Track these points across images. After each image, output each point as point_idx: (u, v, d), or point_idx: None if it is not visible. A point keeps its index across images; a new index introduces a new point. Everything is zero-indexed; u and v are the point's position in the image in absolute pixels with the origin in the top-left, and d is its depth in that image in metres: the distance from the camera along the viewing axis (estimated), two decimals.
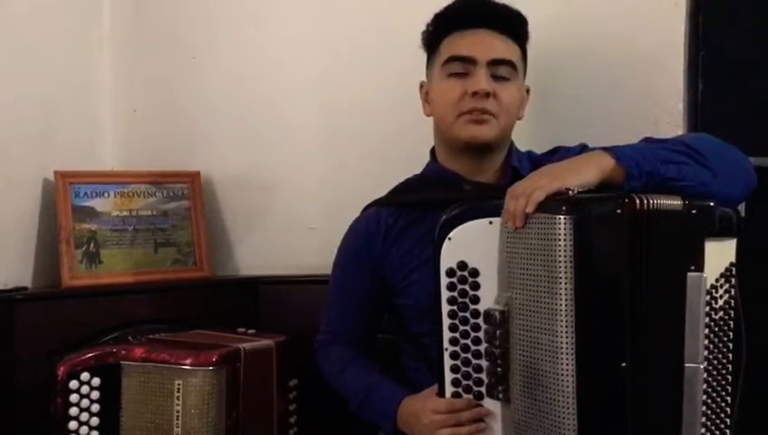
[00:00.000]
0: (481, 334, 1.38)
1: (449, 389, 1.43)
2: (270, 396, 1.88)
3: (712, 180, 1.39)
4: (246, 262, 2.30)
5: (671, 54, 1.85)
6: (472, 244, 1.37)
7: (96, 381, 1.72)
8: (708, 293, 1.32)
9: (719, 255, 1.35)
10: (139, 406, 1.73)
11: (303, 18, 2.23)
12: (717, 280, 1.34)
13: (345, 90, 2.18)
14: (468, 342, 1.39)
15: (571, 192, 1.30)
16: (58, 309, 1.92)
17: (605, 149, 1.40)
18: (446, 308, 1.41)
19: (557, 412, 1.25)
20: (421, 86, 1.70)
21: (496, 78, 1.58)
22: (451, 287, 1.40)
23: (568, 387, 1.24)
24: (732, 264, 1.36)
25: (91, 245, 2.10)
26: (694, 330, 1.30)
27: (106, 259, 2.11)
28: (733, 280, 1.36)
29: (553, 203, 1.27)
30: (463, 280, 1.39)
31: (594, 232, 1.25)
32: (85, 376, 1.71)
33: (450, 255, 1.39)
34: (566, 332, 1.24)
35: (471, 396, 1.41)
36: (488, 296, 1.36)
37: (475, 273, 1.38)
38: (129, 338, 1.88)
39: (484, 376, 1.38)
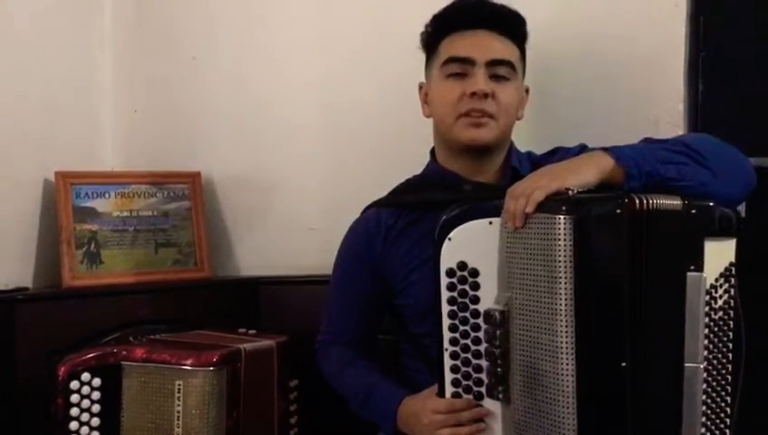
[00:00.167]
0: (481, 334, 1.38)
1: (449, 389, 1.43)
2: (270, 396, 1.88)
3: (712, 180, 1.39)
4: (247, 262, 2.30)
5: (671, 55, 1.85)
6: (472, 244, 1.38)
7: (97, 382, 1.72)
8: (708, 293, 1.32)
9: (719, 255, 1.34)
10: (139, 406, 1.73)
11: (304, 19, 2.23)
12: (717, 280, 1.34)
13: (345, 90, 2.18)
14: (468, 342, 1.40)
15: (570, 192, 1.30)
16: (59, 309, 1.92)
17: (605, 149, 1.40)
18: (446, 308, 1.41)
19: (557, 412, 1.25)
20: (420, 87, 1.70)
21: (495, 78, 1.58)
22: (451, 287, 1.40)
23: (568, 387, 1.24)
24: (731, 264, 1.36)
25: (92, 245, 2.10)
26: (693, 330, 1.30)
27: (107, 260, 2.12)
28: (732, 280, 1.36)
29: (553, 203, 1.27)
30: (463, 280, 1.39)
31: (594, 232, 1.25)
32: (86, 376, 1.71)
33: (450, 255, 1.39)
34: (566, 332, 1.24)
35: (471, 396, 1.41)
36: (488, 296, 1.36)
37: (474, 273, 1.38)
38: (130, 338, 1.88)
39: (484, 376, 1.39)
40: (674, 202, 1.31)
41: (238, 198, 2.31)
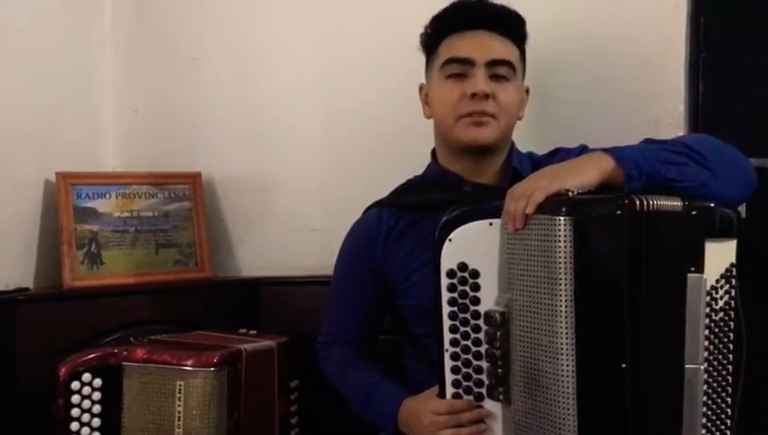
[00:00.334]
0: (481, 335, 1.38)
1: (450, 390, 1.43)
2: (271, 397, 1.88)
3: (712, 181, 1.39)
4: (247, 263, 2.30)
5: (672, 55, 1.85)
6: (472, 245, 1.38)
7: (98, 382, 1.73)
8: (708, 294, 1.32)
9: (719, 256, 1.34)
10: (140, 407, 1.73)
11: (304, 20, 2.23)
12: (718, 281, 1.34)
13: (345, 91, 2.19)
14: (469, 343, 1.40)
15: (570, 193, 1.30)
16: (60, 310, 1.92)
17: (605, 150, 1.40)
18: (446, 309, 1.41)
19: (557, 413, 1.26)
20: (420, 88, 1.70)
21: (495, 78, 1.58)
22: (451, 288, 1.40)
23: (568, 388, 1.24)
24: (732, 265, 1.35)
25: (93, 246, 2.10)
26: (694, 331, 1.30)
27: (107, 260, 2.12)
28: (733, 281, 1.35)
29: (553, 204, 1.27)
30: (463, 281, 1.39)
31: (594, 233, 1.25)
32: (87, 377, 1.72)
33: (450, 256, 1.39)
34: (566, 333, 1.24)
35: (471, 397, 1.41)
36: (488, 298, 1.37)
37: (475, 274, 1.38)
38: (131, 339, 1.89)
39: (484, 377, 1.39)
40: (674, 203, 1.31)
41: (239, 198, 2.31)
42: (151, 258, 2.18)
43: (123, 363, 1.74)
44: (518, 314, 1.31)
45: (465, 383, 1.41)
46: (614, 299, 1.26)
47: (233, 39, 2.31)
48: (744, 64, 1.84)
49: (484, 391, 1.39)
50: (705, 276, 1.30)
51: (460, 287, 1.39)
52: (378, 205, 1.72)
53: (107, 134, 2.39)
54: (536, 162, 1.65)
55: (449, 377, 1.42)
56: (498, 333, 1.33)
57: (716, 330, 1.34)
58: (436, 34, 1.64)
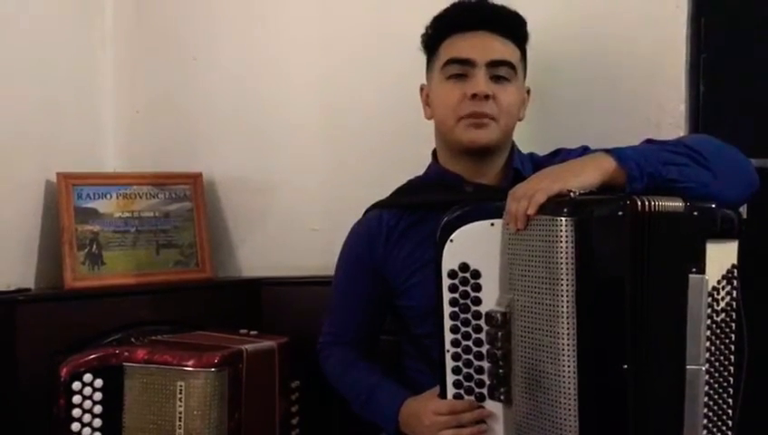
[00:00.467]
0: (483, 336, 1.38)
1: (451, 390, 1.43)
2: (272, 397, 1.88)
3: (713, 182, 1.39)
4: (248, 263, 2.30)
5: (672, 56, 1.85)
6: (473, 246, 1.38)
7: (99, 383, 1.72)
8: (710, 295, 1.32)
9: (721, 256, 1.34)
10: (141, 407, 1.73)
11: (304, 19, 2.23)
12: (719, 282, 1.34)
13: (346, 91, 2.19)
14: (470, 343, 1.40)
15: (572, 194, 1.30)
16: (60, 310, 1.92)
17: (606, 150, 1.39)
18: (447, 310, 1.41)
19: (558, 414, 1.26)
20: (421, 89, 1.70)
21: (496, 79, 1.58)
22: (453, 289, 1.40)
23: (569, 388, 1.24)
24: (733, 265, 1.36)
25: (94, 246, 2.10)
26: (695, 332, 1.30)
27: (108, 261, 2.12)
28: (734, 282, 1.36)
29: (555, 205, 1.27)
30: (464, 282, 1.39)
31: (596, 234, 1.25)
32: (88, 377, 1.72)
33: (452, 256, 1.39)
34: (568, 333, 1.24)
35: (473, 397, 1.41)
36: (490, 298, 1.37)
37: (476, 274, 1.38)
38: (132, 339, 1.88)
39: (485, 377, 1.39)
40: (676, 204, 1.31)
41: (240, 198, 2.31)
42: (152, 259, 2.18)
43: (124, 364, 1.74)
44: (519, 315, 1.31)
45: (466, 384, 1.41)
46: (615, 300, 1.26)
47: (234, 39, 2.31)
48: (745, 65, 1.84)
49: (485, 391, 1.39)
50: (706, 277, 1.31)
51: (461, 288, 1.39)
52: (378, 205, 1.72)
53: (108, 134, 2.39)
54: (537, 163, 1.65)
55: (450, 377, 1.42)
56: (499, 334, 1.33)
57: (718, 331, 1.35)
58: (436, 35, 1.64)
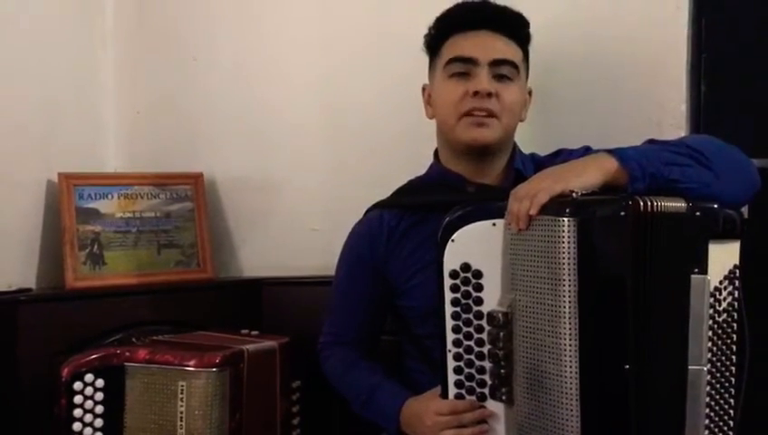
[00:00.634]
0: (484, 336, 1.38)
1: (452, 390, 1.43)
2: (273, 397, 1.88)
3: (715, 182, 1.39)
4: (249, 263, 2.30)
5: (673, 56, 1.85)
6: (475, 246, 1.38)
7: (100, 383, 1.72)
8: (712, 295, 1.32)
9: (723, 257, 1.34)
10: (142, 407, 1.73)
11: (305, 20, 2.23)
12: (721, 282, 1.34)
13: (346, 91, 2.19)
14: (471, 343, 1.40)
15: (574, 194, 1.30)
16: (62, 310, 1.91)
17: (608, 151, 1.39)
18: (449, 310, 1.41)
19: (560, 414, 1.26)
20: (423, 89, 1.70)
21: (498, 78, 1.58)
22: (454, 289, 1.40)
23: (571, 388, 1.24)
24: (735, 266, 1.35)
25: (95, 246, 2.10)
26: (697, 332, 1.30)
27: (110, 261, 2.12)
28: (736, 282, 1.35)
29: (557, 205, 1.27)
30: (466, 282, 1.39)
31: (598, 234, 1.25)
32: (89, 377, 1.71)
33: (453, 256, 1.39)
34: (569, 333, 1.24)
35: (474, 397, 1.41)
36: (492, 298, 1.37)
37: (478, 274, 1.38)
38: (133, 339, 1.88)
39: (487, 377, 1.39)
40: (678, 204, 1.31)
41: (241, 198, 2.31)
42: (153, 259, 2.18)
43: (125, 364, 1.74)
44: (521, 315, 1.31)
45: (467, 384, 1.41)
46: (617, 300, 1.26)
47: (234, 39, 2.31)
48: (746, 65, 1.84)
49: (486, 391, 1.39)
50: (708, 277, 1.31)
51: (463, 288, 1.39)
52: (380, 205, 1.72)
53: (109, 135, 2.39)
54: (539, 163, 1.65)
55: (452, 377, 1.42)
56: (501, 334, 1.33)
57: (719, 331, 1.34)
58: (439, 35, 1.64)
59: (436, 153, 1.71)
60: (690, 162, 1.39)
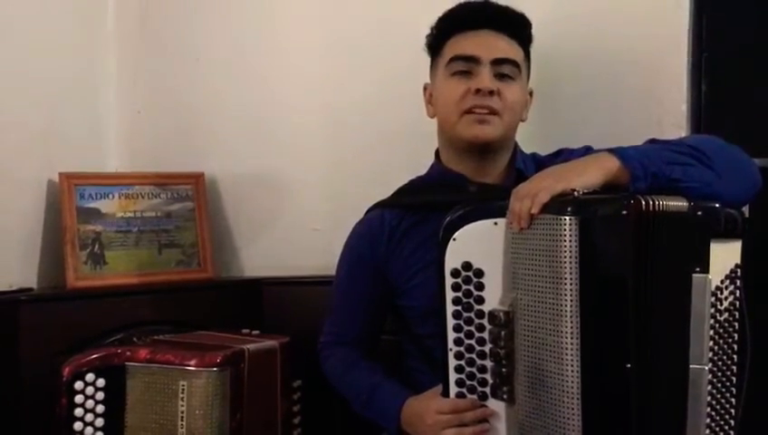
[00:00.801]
0: (485, 335, 1.38)
1: (453, 389, 1.43)
2: (274, 397, 1.88)
3: (717, 181, 1.39)
4: (250, 263, 2.30)
5: (674, 55, 1.85)
6: (477, 245, 1.38)
7: (101, 382, 1.72)
8: (713, 294, 1.32)
9: (724, 256, 1.34)
10: (143, 407, 1.73)
11: (307, 19, 2.23)
12: (722, 281, 1.34)
13: (347, 91, 2.19)
14: (473, 342, 1.40)
15: (576, 193, 1.30)
16: (63, 310, 1.92)
17: (610, 150, 1.40)
18: (450, 308, 1.41)
19: (561, 413, 1.26)
20: (425, 88, 1.71)
21: (500, 77, 1.58)
22: (456, 288, 1.40)
23: (572, 387, 1.24)
24: (737, 265, 1.35)
25: (96, 246, 2.11)
26: (699, 331, 1.30)
27: (110, 260, 2.12)
28: (737, 281, 1.35)
29: (559, 204, 1.27)
30: (467, 280, 1.39)
31: (599, 233, 1.25)
32: (90, 377, 1.72)
33: (455, 255, 1.39)
34: (571, 332, 1.24)
35: (475, 396, 1.41)
36: (493, 297, 1.37)
37: (479, 273, 1.38)
38: (134, 339, 1.88)
39: (488, 376, 1.39)
40: (679, 203, 1.31)
41: (241, 198, 2.31)
42: (154, 259, 2.18)
43: (126, 363, 1.74)
44: (523, 314, 1.31)
45: (468, 382, 1.41)
46: (619, 299, 1.26)
47: (235, 39, 2.31)
48: (747, 64, 1.84)
49: (487, 390, 1.39)
50: (709, 277, 1.31)
51: (464, 286, 1.39)
52: (380, 205, 1.72)
53: (110, 134, 2.39)
54: (540, 163, 1.66)
55: (453, 376, 1.42)
56: (502, 333, 1.33)
57: (721, 331, 1.34)
58: (441, 34, 1.64)
59: (437, 153, 1.71)
60: (692, 161, 1.39)
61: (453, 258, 1.40)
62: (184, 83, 2.36)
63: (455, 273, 1.40)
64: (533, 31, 1.66)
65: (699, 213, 1.31)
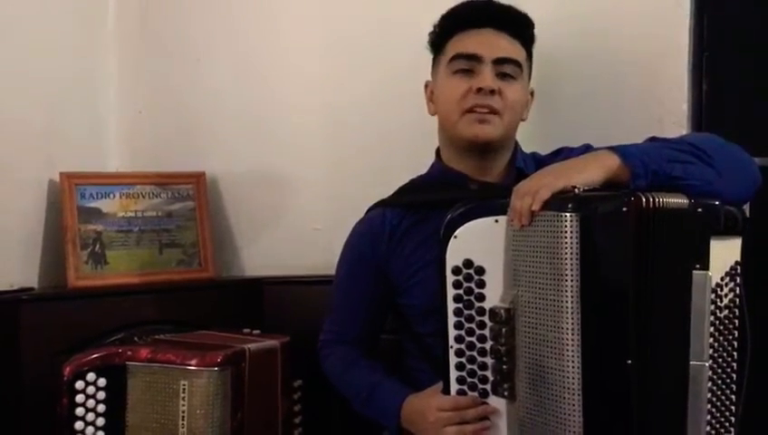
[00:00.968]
0: (486, 332, 1.38)
1: (454, 386, 1.43)
2: (275, 397, 1.88)
3: (717, 179, 1.39)
4: (251, 263, 2.31)
5: (675, 55, 1.86)
6: (478, 242, 1.38)
7: (102, 382, 1.72)
8: (713, 291, 1.32)
9: (724, 253, 1.34)
10: (144, 406, 1.73)
11: (307, 18, 2.24)
12: (722, 279, 1.34)
13: (348, 90, 2.19)
14: (474, 339, 1.40)
15: (576, 190, 1.30)
16: (64, 310, 1.92)
17: (610, 148, 1.40)
18: (451, 306, 1.41)
19: (562, 409, 1.26)
20: (426, 86, 1.71)
21: (501, 76, 1.58)
22: (457, 285, 1.40)
23: (573, 384, 1.25)
24: (737, 262, 1.36)
25: (97, 246, 2.11)
26: (699, 328, 1.30)
27: (111, 260, 2.12)
28: (737, 279, 1.36)
29: (559, 201, 1.28)
30: (468, 278, 1.39)
31: (600, 230, 1.25)
32: (91, 376, 1.72)
33: (456, 253, 1.39)
34: (572, 329, 1.24)
35: (476, 393, 1.41)
36: (494, 294, 1.37)
37: (480, 271, 1.38)
38: (135, 339, 1.88)
39: (489, 373, 1.39)
40: (680, 201, 1.31)
41: (242, 198, 2.31)
42: (155, 258, 2.18)
43: (127, 363, 1.74)
44: (523, 311, 1.31)
45: (469, 380, 1.42)
46: (620, 295, 1.26)
47: (236, 39, 2.31)
48: (747, 63, 1.84)
49: (488, 387, 1.39)
50: (710, 274, 1.31)
51: (465, 284, 1.39)
52: (381, 204, 1.72)
53: (111, 134, 2.39)
54: (540, 162, 1.66)
55: (454, 373, 1.43)
56: (503, 330, 1.33)
57: (721, 327, 1.35)
58: (444, 32, 1.64)
59: (437, 152, 1.71)
60: (692, 160, 1.39)
61: (454, 256, 1.40)
62: (184, 83, 2.36)
63: (456, 270, 1.40)
64: (536, 30, 1.66)
65: (699, 210, 1.32)
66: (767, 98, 1.83)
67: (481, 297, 1.38)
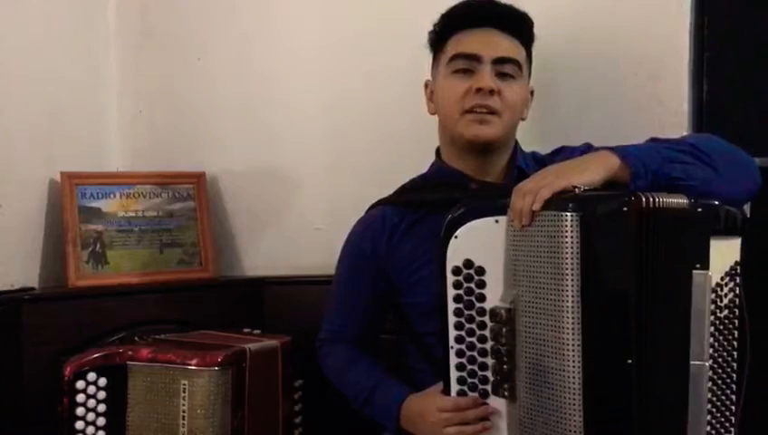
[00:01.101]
0: (487, 332, 1.38)
1: (455, 387, 1.43)
2: (275, 396, 1.88)
3: (717, 180, 1.39)
4: (252, 262, 2.31)
5: (675, 55, 1.86)
6: (478, 242, 1.37)
7: (102, 382, 1.73)
8: (713, 291, 1.32)
9: (724, 253, 1.35)
10: (145, 406, 1.74)
11: (308, 18, 2.23)
12: (722, 279, 1.35)
13: (349, 90, 2.19)
14: (474, 339, 1.40)
15: (577, 190, 1.30)
16: (64, 310, 1.92)
17: (611, 148, 1.40)
18: (451, 306, 1.41)
19: (563, 409, 1.26)
20: (426, 85, 1.71)
21: (501, 76, 1.58)
22: (457, 285, 1.40)
23: (574, 384, 1.24)
24: (737, 262, 1.36)
25: (98, 245, 2.11)
26: (699, 328, 1.30)
27: (112, 260, 2.12)
28: (738, 279, 1.36)
29: (560, 201, 1.28)
30: (469, 278, 1.39)
31: (600, 230, 1.25)
32: (92, 376, 1.72)
33: (456, 253, 1.39)
34: (572, 329, 1.24)
35: (477, 394, 1.41)
36: (494, 294, 1.37)
37: (481, 271, 1.38)
38: (136, 338, 1.88)
39: (489, 374, 1.39)
40: (680, 201, 1.31)
41: (243, 198, 2.31)
42: (156, 258, 2.18)
43: (128, 363, 1.74)
44: (524, 311, 1.31)
45: (470, 380, 1.41)
46: (620, 295, 1.26)
47: (236, 39, 2.31)
48: (748, 64, 1.84)
49: (489, 387, 1.39)
50: (710, 274, 1.31)
51: (466, 284, 1.39)
52: (382, 203, 1.72)
53: (111, 134, 2.39)
54: (540, 161, 1.66)
55: (454, 374, 1.42)
56: (504, 330, 1.33)
57: (721, 327, 1.35)
58: (444, 31, 1.64)
59: (437, 151, 1.71)
60: (692, 160, 1.40)
61: (454, 256, 1.39)
62: (185, 83, 2.37)
63: (456, 270, 1.39)
64: (536, 30, 1.66)
65: (699, 210, 1.32)
66: (767, 98, 1.82)
67: (481, 297, 1.38)
